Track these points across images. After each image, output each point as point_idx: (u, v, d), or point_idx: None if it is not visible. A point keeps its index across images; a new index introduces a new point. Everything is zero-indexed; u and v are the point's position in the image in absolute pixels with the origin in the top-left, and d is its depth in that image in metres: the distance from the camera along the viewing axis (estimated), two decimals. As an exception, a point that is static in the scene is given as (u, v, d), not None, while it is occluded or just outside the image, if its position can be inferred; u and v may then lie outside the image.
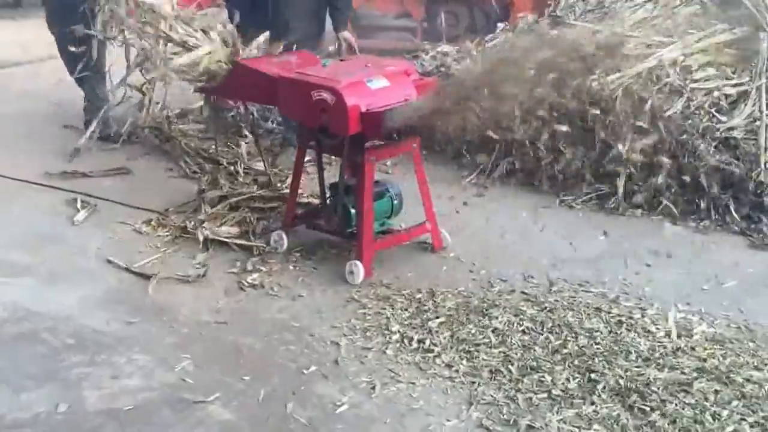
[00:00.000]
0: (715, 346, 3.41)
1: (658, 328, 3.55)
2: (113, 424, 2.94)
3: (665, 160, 4.73)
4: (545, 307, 3.74)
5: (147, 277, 4.05)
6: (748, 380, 3.15)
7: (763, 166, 4.58)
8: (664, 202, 4.76)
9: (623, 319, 3.63)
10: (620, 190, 4.87)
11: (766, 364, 3.28)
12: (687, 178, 4.73)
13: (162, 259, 4.29)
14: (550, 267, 4.21)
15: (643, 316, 3.66)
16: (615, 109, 4.75)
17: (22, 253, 4.32)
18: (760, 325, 3.62)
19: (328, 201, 4.36)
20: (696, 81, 4.85)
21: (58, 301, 3.84)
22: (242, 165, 5.40)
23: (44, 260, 4.25)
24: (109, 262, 4.24)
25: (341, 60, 4.61)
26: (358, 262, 4.01)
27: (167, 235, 4.56)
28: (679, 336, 3.49)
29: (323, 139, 4.11)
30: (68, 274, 4.13)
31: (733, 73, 4.97)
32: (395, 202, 4.31)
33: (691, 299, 3.85)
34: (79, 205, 4.94)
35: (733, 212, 4.60)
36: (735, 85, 4.89)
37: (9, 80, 7.89)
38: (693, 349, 3.39)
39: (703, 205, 4.70)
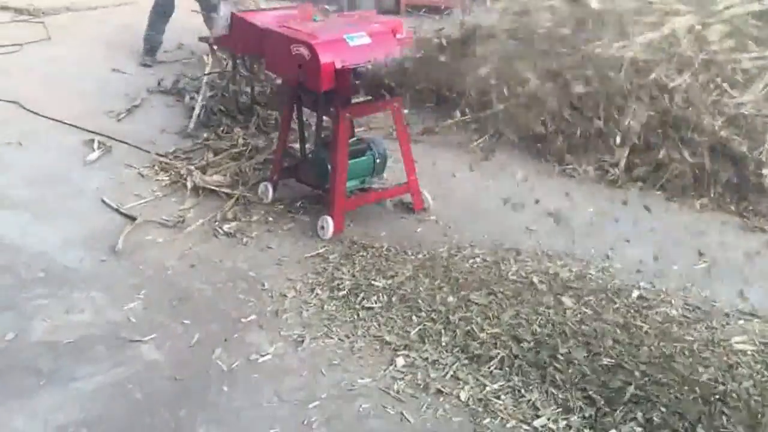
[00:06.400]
0: (666, 326, 3.34)
1: (616, 302, 3.48)
2: (49, 356, 3.12)
3: (668, 134, 4.54)
4: (502, 276, 3.70)
5: (134, 219, 4.23)
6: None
7: (767, 144, 4.33)
8: (664, 177, 4.60)
9: (578, 293, 3.56)
10: (621, 163, 4.73)
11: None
12: (688, 154, 4.54)
13: (153, 203, 4.46)
14: (526, 235, 4.15)
15: (600, 292, 3.58)
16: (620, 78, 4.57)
17: (25, 189, 4.53)
18: (718, 310, 3.51)
19: (309, 155, 4.42)
20: (711, 53, 4.59)
21: (42, 236, 4.04)
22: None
23: (43, 198, 4.46)
24: (103, 202, 4.44)
25: (336, 15, 4.59)
26: (328, 218, 4.06)
27: (166, 180, 4.73)
28: (632, 315, 3.42)
29: (302, 94, 4.14)
30: (61, 212, 4.33)
31: (757, 46, 4.68)
32: (377, 160, 4.32)
33: (657, 278, 3.74)
34: (95, 145, 5.16)
35: (732, 192, 4.41)
36: (754, 59, 4.60)
37: (79, 21, 7.99)
38: (642, 328, 3.31)
39: (702, 182, 4.51)
